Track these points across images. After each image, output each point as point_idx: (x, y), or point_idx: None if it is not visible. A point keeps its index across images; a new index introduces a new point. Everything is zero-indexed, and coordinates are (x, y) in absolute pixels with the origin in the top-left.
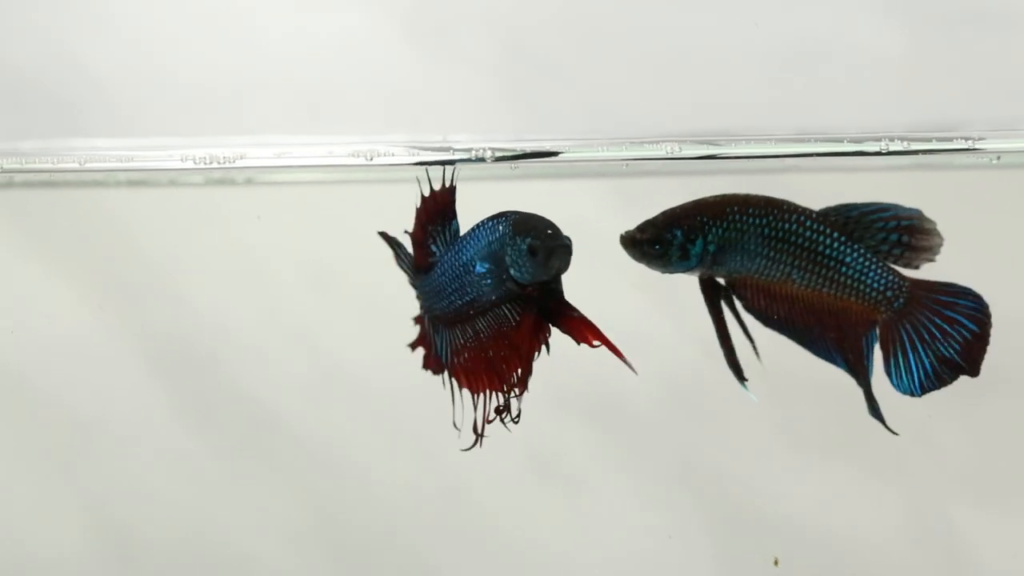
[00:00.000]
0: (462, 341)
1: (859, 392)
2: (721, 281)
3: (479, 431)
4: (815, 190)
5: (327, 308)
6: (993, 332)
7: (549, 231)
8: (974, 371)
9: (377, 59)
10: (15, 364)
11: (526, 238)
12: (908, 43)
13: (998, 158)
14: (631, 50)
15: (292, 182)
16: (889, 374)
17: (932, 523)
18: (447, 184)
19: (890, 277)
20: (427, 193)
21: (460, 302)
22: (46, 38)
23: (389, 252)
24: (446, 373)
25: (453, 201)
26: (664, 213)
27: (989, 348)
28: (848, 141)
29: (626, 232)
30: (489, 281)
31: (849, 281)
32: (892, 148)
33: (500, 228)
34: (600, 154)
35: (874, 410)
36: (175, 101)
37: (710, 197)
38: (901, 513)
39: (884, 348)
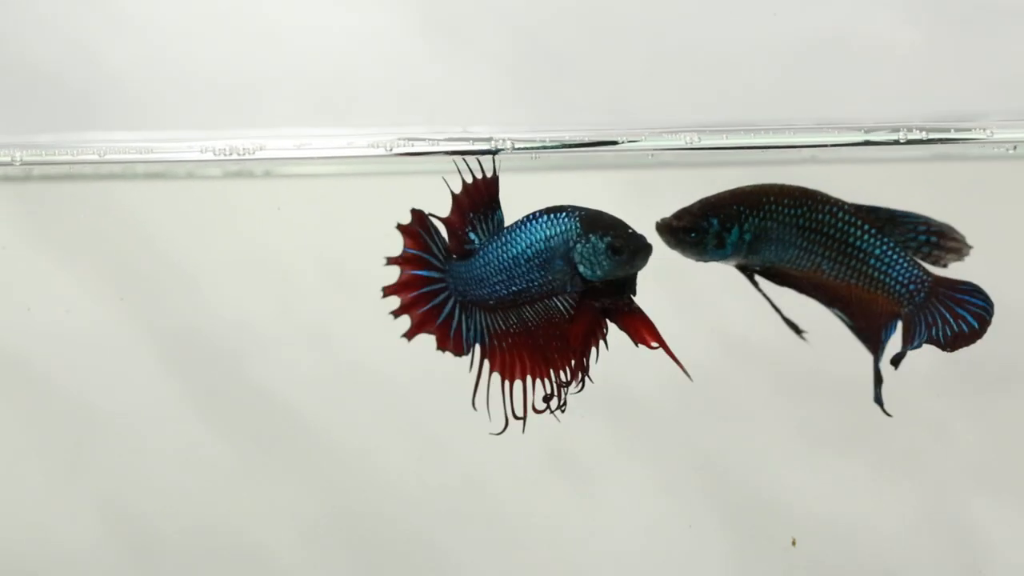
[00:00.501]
0: (504, 327)
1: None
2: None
3: (514, 416)
4: (833, 181)
5: (343, 301)
6: (1008, 325)
7: (629, 229)
8: (949, 350)
9: (395, 52)
10: (32, 357)
11: (604, 236)
12: (926, 34)
13: (1014, 148)
14: (649, 41)
15: (310, 175)
16: (895, 360)
17: (948, 517)
18: (489, 174)
19: (915, 272)
20: (469, 181)
21: (505, 292)
22: (65, 33)
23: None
24: (476, 355)
25: (497, 191)
26: (701, 201)
27: (1001, 342)
28: (866, 131)
29: (662, 219)
30: (548, 276)
31: (876, 274)
32: (911, 138)
33: (563, 223)
34: (664, 141)
35: (878, 396)
36: (194, 94)
37: (747, 186)
38: (917, 506)
39: (904, 340)
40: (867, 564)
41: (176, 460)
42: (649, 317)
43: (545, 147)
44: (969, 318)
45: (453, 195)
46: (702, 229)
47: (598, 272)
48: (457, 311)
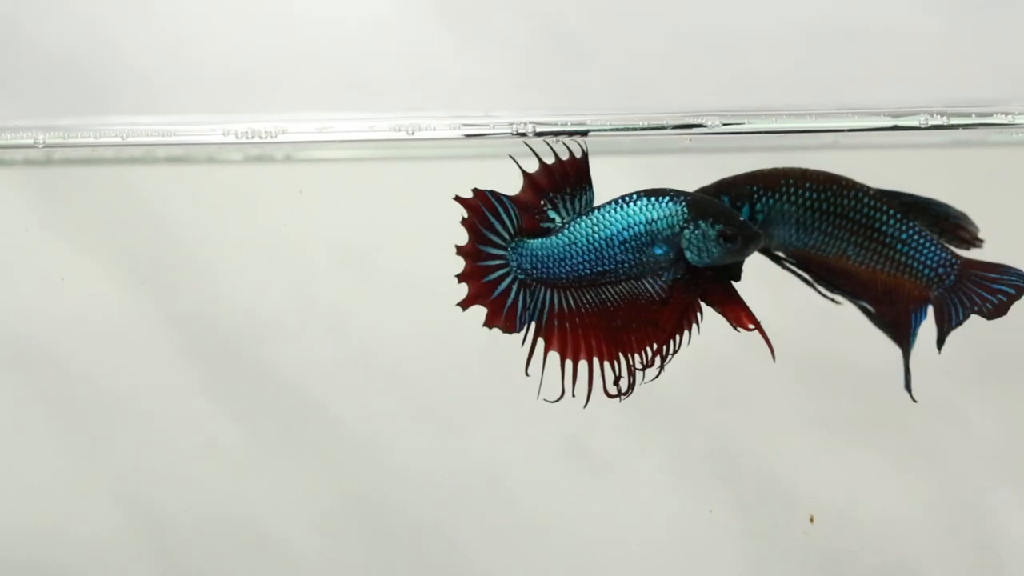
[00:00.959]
0: (574, 307)
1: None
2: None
3: (576, 393)
4: (854, 167)
5: (362, 289)
6: None
7: (739, 217)
8: (989, 319)
9: (415, 38)
10: (51, 341)
11: (715, 223)
12: (946, 20)
13: None
14: (670, 27)
15: (331, 159)
16: (939, 343)
17: (964, 505)
18: (578, 154)
19: (944, 255)
20: (550, 162)
21: (588, 271)
22: (87, 17)
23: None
24: (530, 333)
25: (587, 170)
26: (719, 180)
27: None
28: (886, 115)
29: None
30: (641, 258)
31: (904, 259)
32: (932, 123)
33: (667, 208)
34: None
35: (907, 384)
36: (215, 78)
37: (768, 168)
38: (933, 494)
39: (937, 323)
40: (882, 551)
41: (192, 447)
42: (745, 302)
43: (630, 128)
44: (1007, 289)
45: (527, 174)
46: None
47: (706, 258)
48: (515, 289)
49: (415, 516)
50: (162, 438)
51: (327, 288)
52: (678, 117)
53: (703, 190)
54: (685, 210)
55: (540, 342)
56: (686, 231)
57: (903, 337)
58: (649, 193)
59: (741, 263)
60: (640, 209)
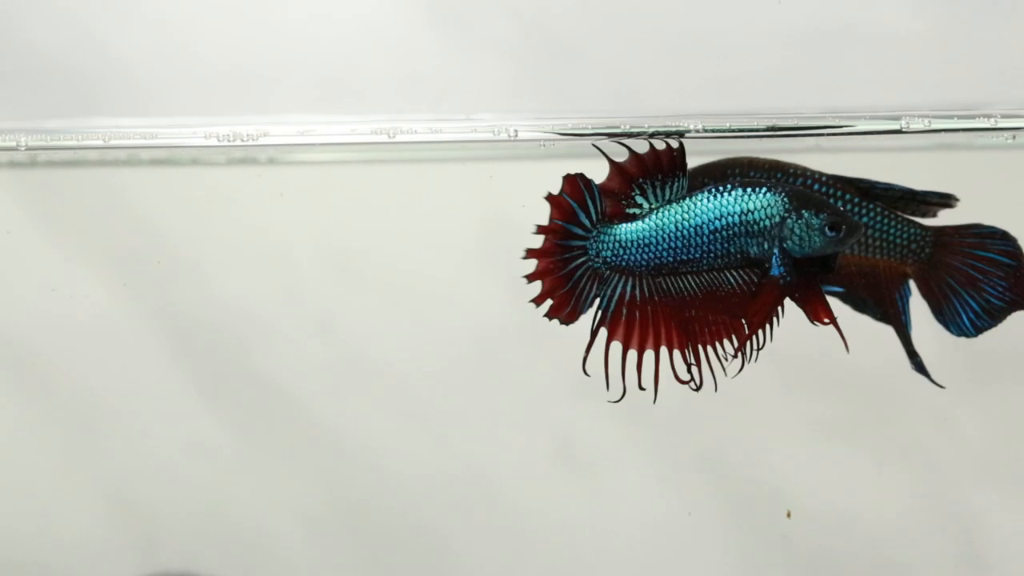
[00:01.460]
0: (647, 294)
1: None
2: None
3: (641, 385)
4: (837, 169)
5: (347, 290)
6: (1012, 316)
7: (840, 208)
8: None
9: (399, 40)
10: (36, 344)
11: (820, 213)
12: (931, 23)
13: (1013, 137)
14: (654, 29)
15: (314, 162)
16: (941, 323)
17: (950, 507)
18: (673, 145)
19: (912, 229)
20: (644, 152)
21: (672, 259)
22: (70, 18)
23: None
24: (595, 323)
25: (684, 158)
26: None
27: (1005, 333)
28: (868, 119)
29: None
30: (730, 248)
31: (870, 240)
32: (915, 126)
33: (765, 198)
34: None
35: (917, 365)
36: (198, 80)
37: (717, 160)
38: (919, 496)
39: (927, 298)
40: (868, 554)
41: (179, 448)
42: (826, 297)
43: (720, 132)
44: (1000, 258)
45: (614, 163)
46: None
47: (807, 248)
48: (587, 278)
49: (404, 517)
50: (150, 440)
51: (313, 290)
52: (662, 121)
53: None
54: (786, 200)
55: (602, 333)
56: (788, 220)
57: (893, 317)
58: (745, 183)
59: (837, 255)
60: (735, 200)
